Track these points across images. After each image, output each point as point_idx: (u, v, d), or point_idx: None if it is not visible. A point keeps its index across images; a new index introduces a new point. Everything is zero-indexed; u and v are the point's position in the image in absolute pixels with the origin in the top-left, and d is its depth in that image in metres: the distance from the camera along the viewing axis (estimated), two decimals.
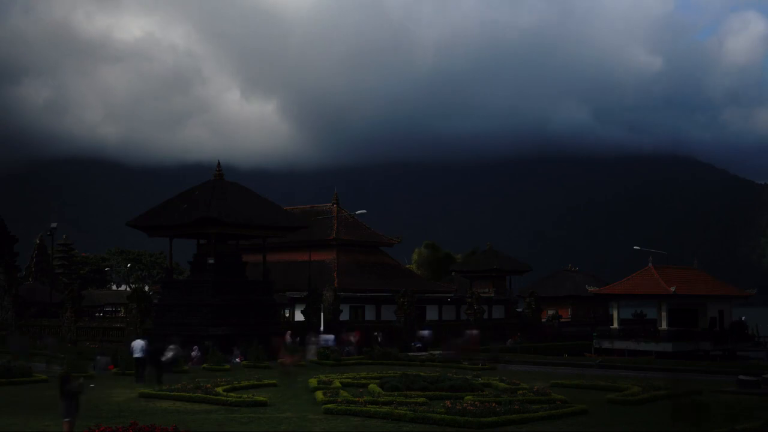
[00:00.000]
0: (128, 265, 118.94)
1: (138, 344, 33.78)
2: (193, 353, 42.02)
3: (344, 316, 57.83)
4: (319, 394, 26.62)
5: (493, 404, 23.66)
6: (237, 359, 41.88)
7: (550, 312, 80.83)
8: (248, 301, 48.04)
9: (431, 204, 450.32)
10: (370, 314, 63.05)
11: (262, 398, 26.24)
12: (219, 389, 27.65)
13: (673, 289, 63.58)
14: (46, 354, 41.95)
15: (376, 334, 52.45)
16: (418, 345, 54.86)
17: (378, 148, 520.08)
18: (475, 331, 49.83)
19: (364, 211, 65.49)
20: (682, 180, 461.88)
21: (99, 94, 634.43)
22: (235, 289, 47.87)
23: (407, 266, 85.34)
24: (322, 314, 53.78)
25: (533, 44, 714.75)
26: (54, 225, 68.19)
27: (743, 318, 73.54)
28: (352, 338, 49.01)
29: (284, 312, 60.62)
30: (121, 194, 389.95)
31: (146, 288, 61.19)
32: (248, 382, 31.19)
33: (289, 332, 48.27)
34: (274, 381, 32.00)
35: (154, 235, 51.04)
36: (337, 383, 29.57)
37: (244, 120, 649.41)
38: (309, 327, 51.99)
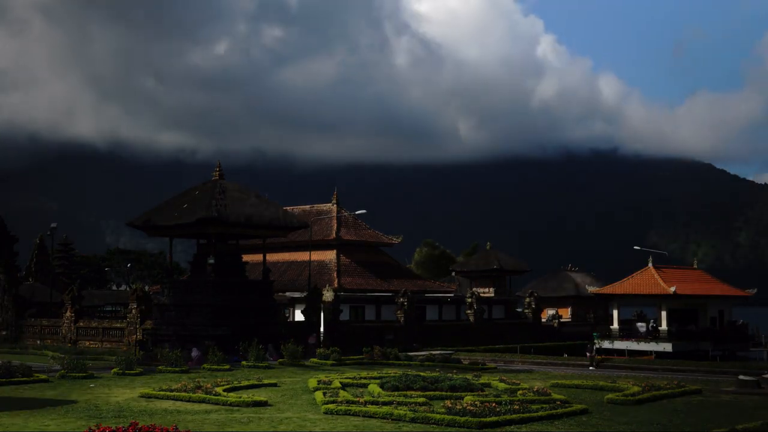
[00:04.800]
0: (128, 265, 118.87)
1: None
2: (194, 353, 42.02)
3: (344, 316, 57.84)
4: (319, 394, 26.62)
5: (493, 404, 23.65)
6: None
7: (550, 312, 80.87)
8: (248, 301, 48.03)
9: (431, 204, 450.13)
10: (370, 314, 63.05)
11: (262, 398, 26.24)
12: (219, 389, 27.64)
13: (673, 289, 63.61)
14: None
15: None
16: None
17: (379, 147, 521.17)
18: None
19: (364, 211, 65.44)
20: (683, 180, 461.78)
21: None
22: (235, 289, 47.86)
23: (407, 266, 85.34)
24: (322, 314, 53.79)
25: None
26: (54, 225, 68.14)
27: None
28: None
29: (284, 312, 60.62)
30: (121, 193, 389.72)
31: (146, 288, 61.10)
32: (248, 381, 31.19)
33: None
34: (274, 381, 32.02)
35: (154, 234, 51.05)
36: (337, 383, 29.56)
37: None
38: (309, 327, 52.03)
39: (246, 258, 52.33)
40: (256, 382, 31.24)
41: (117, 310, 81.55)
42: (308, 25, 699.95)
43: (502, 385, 29.44)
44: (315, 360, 42.62)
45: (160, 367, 37.44)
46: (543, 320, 76.68)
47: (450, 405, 23.42)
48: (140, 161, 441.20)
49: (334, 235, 66.70)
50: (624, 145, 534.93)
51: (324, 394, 26.65)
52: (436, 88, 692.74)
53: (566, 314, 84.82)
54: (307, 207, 74.33)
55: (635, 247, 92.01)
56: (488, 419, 21.51)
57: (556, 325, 75.97)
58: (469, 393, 27.15)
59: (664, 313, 65.47)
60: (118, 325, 54.14)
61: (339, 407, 23.61)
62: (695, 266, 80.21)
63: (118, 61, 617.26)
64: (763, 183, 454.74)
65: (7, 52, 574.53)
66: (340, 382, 30.04)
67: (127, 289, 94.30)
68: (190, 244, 51.89)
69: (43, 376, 32.86)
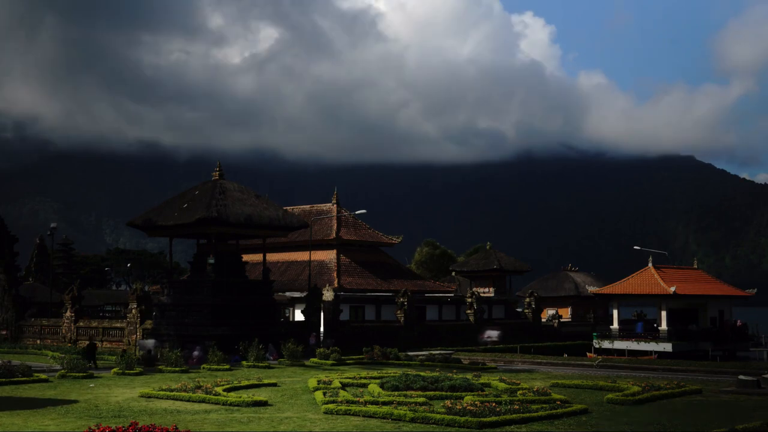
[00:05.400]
0: (128, 265, 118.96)
1: None
2: (195, 353, 42.00)
3: (344, 316, 57.84)
4: (319, 394, 26.59)
5: (493, 404, 23.63)
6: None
7: (550, 312, 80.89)
8: (248, 301, 48.03)
9: (431, 204, 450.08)
10: (370, 314, 63.03)
11: (262, 398, 26.23)
12: (219, 389, 27.63)
13: (673, 289, 63.57)
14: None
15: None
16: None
17: (379, 147, 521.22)
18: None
19: (364, 211, 65.43)
20: (682, 180, 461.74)
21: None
22: (235, 289, 47.84)
23: (407, 266, 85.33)
24: (322, 314, 53.79)
25: None
26: (54, 225, 68.18)
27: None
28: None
29: (284, 312, 60.61)
30: (121, 193, 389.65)
31: (146, 288, 61.08)
32: (248, 381, 31.17)
33: None
34: (274, 381, 32.00)
35: (154, 234, 51.01)
36: (337, 383, 29.55)
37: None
38: (309, 327, 52.02)
39: (246, 258, 52.30)
40: (256, 382, 31.22)
41: (117, 310, 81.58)
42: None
43: (502, 385, 29.42)
44: (315, 360, 42.60)
45: (160, 367, 37.44)
46: (543, 320, 76.68)
47: (450, 405, 23.39)
48: (140, 161, 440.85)
49: (334, 235, 66.69)
50: (624, 145, 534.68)
51: (324, 394, 26.63)
52: (427, 88, 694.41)
53: (566, 314, 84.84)
54: (307, 207, 74.33)
55: (635, 247, 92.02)
56: (488, 419, 21.49)
57: (556, 325, 75.99)
58: (469, 393, 27.13)
59: (664, 313, 65.43)
60: (118, 325, 54.15)
61: (339, 407, 23.60)
62: (695, 266, 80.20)
63: (110, 61, 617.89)
64: (763, 183, 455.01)
65: None
66: (340, 382, 30.02)
67: (127, 289, 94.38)
68: (190, 244, 51.88)
69: (43, 376, 32.85)
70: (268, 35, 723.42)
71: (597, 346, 64.91)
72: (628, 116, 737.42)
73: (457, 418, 21.52)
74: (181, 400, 26.33)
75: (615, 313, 69.83)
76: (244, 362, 40.34)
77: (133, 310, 51.86)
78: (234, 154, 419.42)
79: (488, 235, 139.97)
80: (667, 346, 62.17)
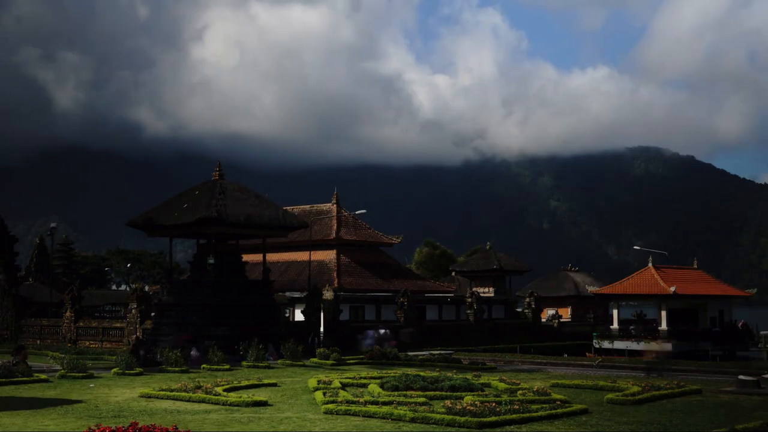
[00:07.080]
0: (128, 265, 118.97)
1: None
2: (193, 353, 41.99)
3: (344, 316, 57.87)
4: (319, 394, 26.58)
5: (493, 404, 23.62)
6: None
7: (550, 312, 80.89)
8: (248, 301, 48.03)
9: (431, 204, 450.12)
10: (370, 314, 63.06)
11: (262, 398, 26.23)
12: (219, 389, 27.62)
13: (673, 289, 63.58)
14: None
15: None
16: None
17: (378, 146, 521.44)
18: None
19: (364, 211, 65.47)
20: (682, 180, 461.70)
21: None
22: (235, 289, 47.85)
23: (407, 266, 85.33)
24: (322, 314, 53.80)
25: None
26: (54, 225, 68.18)
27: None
28: None
29: (284, 312, 60.62)
30: (121, 193, 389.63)
31: (146, 288, 61.11)
32: (248, 381, 31.17)
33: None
34: (274, 381, 32.01)
35: (153, 234, 51.01)
36: (337, 383, 29.53)
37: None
38: (309, 327, 52.03)
39: (246, 258, 52.31)
40: (256, 382, 31.20)
41: (117, 310, 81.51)
42: None
43: (502, 385, 29.41)
44: (315, 360, 42.60)
45: (160, 367, 37.44)
46: (543, 320, 76.70)
47: (450, 405, 23.37)
48: (140, 160, 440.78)
49: (334, 235, 66.71)
50: (622, 144, 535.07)
51: (324, 394, 26.62)
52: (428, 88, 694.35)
53: (566, 314, 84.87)
54: (307, 207, 74.35)
55: (635, 247, 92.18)
56: (488, 419, 21.48)
57: (556, 325, 75.99)
58: (469, 393, 27.12)
59: (664, 313, 65.45)
60: (118, 325, 54.12)
61: (339, 407, 23.59)
62: (695, 266, 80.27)
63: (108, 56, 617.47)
64: (763, 183, 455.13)
65: None
66: (340, 382, 30.00)
67: (127, 289, 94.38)
68: (190, 244, 51.94)
69: (43, 376, 32.83)
70: None
71: (597, 346, 64.93)
72: (628, 114, 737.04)
73: (457, 418, 21.51)
74: (181, 400, 26.31)
75: (615, 313, 69.84)
76: (244, 362, 40.31)
77: (133, 310, 51.84)
78: (231, 151, 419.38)
79: (488, 235, 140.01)
80: (667, 346, 62.20)
